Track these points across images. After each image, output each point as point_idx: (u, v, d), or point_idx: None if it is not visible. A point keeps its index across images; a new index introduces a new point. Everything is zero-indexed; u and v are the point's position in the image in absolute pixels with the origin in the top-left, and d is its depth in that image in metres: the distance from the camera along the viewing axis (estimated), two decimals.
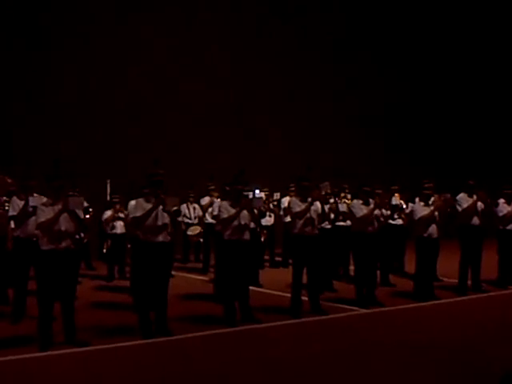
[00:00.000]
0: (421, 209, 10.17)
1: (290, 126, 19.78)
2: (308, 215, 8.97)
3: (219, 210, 8.74)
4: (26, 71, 15.76)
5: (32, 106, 15.77)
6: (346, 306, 9.68)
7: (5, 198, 9.07)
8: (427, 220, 10.07)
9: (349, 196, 11.72)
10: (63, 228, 7.32)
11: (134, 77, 17.28)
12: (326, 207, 9.71)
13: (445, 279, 12.03)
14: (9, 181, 9.43)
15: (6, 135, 15.08)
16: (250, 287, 8.98)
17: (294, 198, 9.35)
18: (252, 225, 9.08)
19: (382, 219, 9.86)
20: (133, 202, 8.75)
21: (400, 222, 12.43)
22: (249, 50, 19.41)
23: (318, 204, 9.11)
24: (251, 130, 18.96)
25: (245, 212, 8.54)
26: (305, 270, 9.05)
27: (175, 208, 7.99)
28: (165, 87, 17.72)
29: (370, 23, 21.92)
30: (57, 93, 16.13)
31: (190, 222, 14.03)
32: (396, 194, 12.50)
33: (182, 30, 18.30)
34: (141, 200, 7.96)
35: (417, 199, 10.53)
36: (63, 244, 7.32)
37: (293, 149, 19.14)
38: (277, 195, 13.02)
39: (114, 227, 12.27)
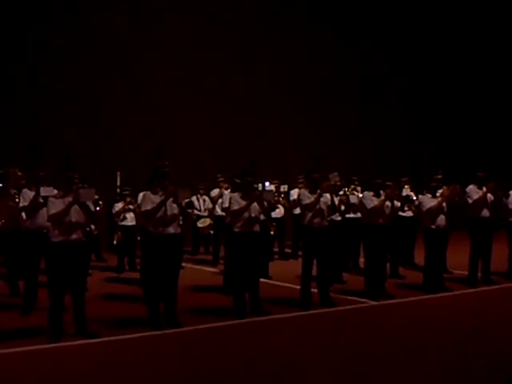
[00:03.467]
0: (428, 200, 10.15)
1: (298, 119, 19.77)
2: (317, 207, 8.96)
3: (229, 202, 8.73)
4: (34, 65, 15.81)
5: (41, 99, 15.80)
6: (356, 298, 9.69)
7: (15, 191, 9.10)
8: (435, 211, 10.04)
9: (358, 188, 11.71)
10: (74, 220, 7.34)
11: (143, 69, 17.30)
12: (337, 199, 9.69)
13: (455, 271, 12.01)
14: (19, 174, 9.46)
15: (13, 130, 15.13)
16: (260, 279, 9.00)
17: (303, 190, 9.33)
18: (262, 217, 9.08)
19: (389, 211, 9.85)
20: (141, 195, 8.76)
21: (410, 213, 12.41)
22: (258, 45, 19.41)
23: (327, 196, 9.08)
24: (259, 123, 18.96)
25: (255, 204, 8.54)
26: (314, 262, 9.05)
27: (187, 200, 8.00)
28: (176, 81, 17.74)
29: (376, 22, 21.88)
30: (65, 85, 16.17)
31: (199, 214, 14.05)
32: (406, 186, 12.49)
33: (190, 27, 18.28)
34: (148, 193, 7.98)
35: (424, 191, 10.49)
36: (74, 236, 7.34)
37: (301, 142, 19.13)
38: (284, 187, 13.01)
39: (124, 218, 12.32)
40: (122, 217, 12.33)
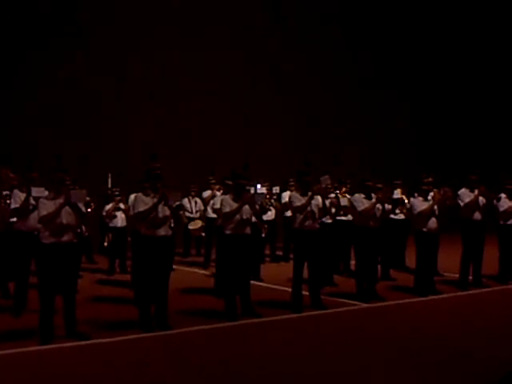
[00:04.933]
0: (420, 203, 10.16)
1: (291, 122, 19.78)
2: (309, 209, 8.96)
3: (221, 205, 8.73)
4: (27, 69, 15.77)
5: (32, 102, 15.77)
6: (347, 301, 9.69)
7: (7, 192, 9.05)
8: (426, 214, 10.06)
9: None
10: (65, 221, 7.32)
11: (135, 72, 17.30)
12: (327, 201, 9.70)
13: (446, 274, 12.04)
14: (11, 175, 9.42)
15: (6, 131, 15.08)
16: (251, 281, 8.99)
17: (294, 193, 9.34)
18: (253, 219, 9.08)
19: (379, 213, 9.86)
20: (132, 197, 8.74)
21: (402, 216, 12.44)
22: (250, 48, 19.41)
23: (318, 198, 9.09)
24: (251, 125, 18.97)
25: (246, 207, 8.54)
26: (306, 265, 9.05)
27: (177, 203, 8.01)
28: (166, 83, 17.73)
29: (372, 23, 21.90)
30: (57, 88, 16.15)
31: (191, 216, 14.01)
32: (398, 189, 12.51)
33: (184, 29, 18.25)
34: (140, 194, 7.98)
35: (416, 194, 10.52)
36: (65, 237, 7.33)
37: (292, 144, 19.16)
38: (276, 189, 13.02)
39: (115, 217, 12.27)
40: (112, 214, 12.26)
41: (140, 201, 7.86)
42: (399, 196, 12.23)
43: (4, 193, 9.01)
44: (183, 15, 18.31)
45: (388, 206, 10.22)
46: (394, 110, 22.08)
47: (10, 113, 15.49)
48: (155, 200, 7.78)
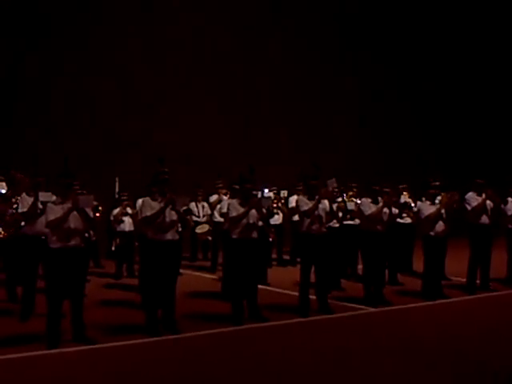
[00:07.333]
0: (427, 207, 10.15)
1: (297, 125, 19.77)
2: (316, 213, 8.96)
3: (228, 209, 8.74)
4: (32, 70, 15.80)
5: (39, 105, 15.80)
6: (354, 305, 9.68)
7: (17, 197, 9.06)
8: (434, 218, 10.04)
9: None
10: (72, 226, 7.34)
11: (141, 75, 17.29)
12: (334, 206, 9.70)
13: (453, 278, 12.00)
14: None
15: (6, 131, 15.10)
16: (258, 286, 8.99)
17: (301, 197, 9.35)
18: (260, 223, 9.08)
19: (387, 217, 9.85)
20: (139, 201, 8.79)
21: (408, 220, 12.43)
22: (257, 49, 19.42)
23: (325, 202, 9.10)
24: (258, 129, 18.97)
25: (253, 211, 8.54)
26: (313, 269, 9.04)
27: (185, 207, 8.02)
28: (173, 86, 17.73)
29: (373, 23, 21.86)
30: (64, 91, 16.18)
31: (198, 220, 14.03)
32: (405, 193, 12.50)
33: (189, 27, 18.26)
34: (147, 199, 8.00)
35: (423, 198, 10.49)
36: (72, 242, 7.34)
37: (299, 148, 19.14)
38: (284, 193, 13.02)
39: (122, 221, 12.30)
40: (119, 219, 12.31)
41: (147, 205, 7.89)
42: (406, 200, 12.23)
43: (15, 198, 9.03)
44: (183, 15, 18.29)
45: (395, 210, 10.20)
46: (395, 111, 22.00)
47: (10, 113, 15.51)
48: (162, 204, 7.81)
